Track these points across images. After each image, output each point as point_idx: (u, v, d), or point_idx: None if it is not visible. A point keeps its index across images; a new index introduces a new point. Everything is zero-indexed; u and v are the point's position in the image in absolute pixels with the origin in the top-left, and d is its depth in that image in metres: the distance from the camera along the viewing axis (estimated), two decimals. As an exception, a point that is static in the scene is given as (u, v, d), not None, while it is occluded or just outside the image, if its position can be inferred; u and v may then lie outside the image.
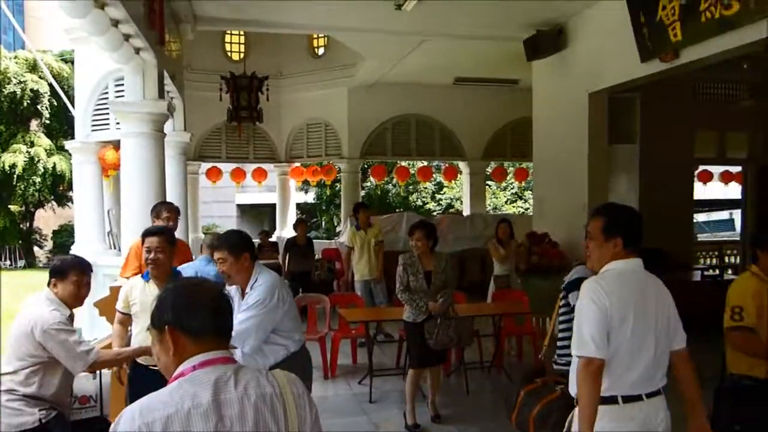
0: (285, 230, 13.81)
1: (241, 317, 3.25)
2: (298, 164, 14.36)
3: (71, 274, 3.12)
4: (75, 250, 8.73)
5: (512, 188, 21.90)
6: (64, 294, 3.11)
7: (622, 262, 2.49)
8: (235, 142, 13.40)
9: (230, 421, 1.45)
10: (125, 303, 3.73)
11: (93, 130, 8.88)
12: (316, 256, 10.23)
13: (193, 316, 1.54)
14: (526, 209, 20.51)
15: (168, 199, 6.23)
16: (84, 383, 3.52)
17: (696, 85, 9.73)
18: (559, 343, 3.51)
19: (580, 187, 7.55)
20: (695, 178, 11.40)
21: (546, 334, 7.48)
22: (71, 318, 3.17)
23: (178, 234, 5.27)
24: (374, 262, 7.66)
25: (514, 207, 21.87)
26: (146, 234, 3.77)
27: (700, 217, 18.34)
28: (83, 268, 3.20)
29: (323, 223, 21.53)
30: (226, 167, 14.38)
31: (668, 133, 8.87)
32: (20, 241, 20.85)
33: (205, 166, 13.98)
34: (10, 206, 19.59)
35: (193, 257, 5.84)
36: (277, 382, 1.56)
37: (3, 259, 21.53)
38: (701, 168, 12.44)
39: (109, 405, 3.79)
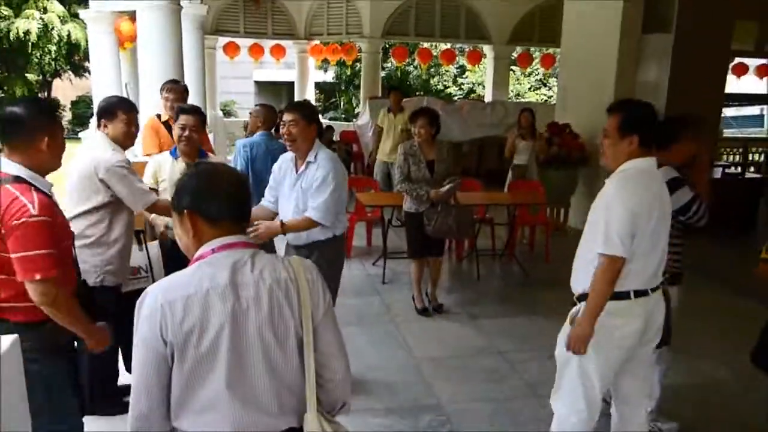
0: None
1: (321, 197, 3.24)
2: (317, 42, 13.93)
3: (119, 113, 3.08)
4: (94, 121, 8.73)
5: (537, 74, 21.21)
6: (115, 134, 3.09)
7: (641, 161, 2.45)
8: (254, 17, 12.94)
9: (246, 302, 1.51)
10: (154, 179, 3.75)
11: (107, -1, 8.62)
12: (334, 138, 10.15)
13: (210, 202, 1.56)
14: (550, 97, 19.99)
15: (185, 75, 6.13)
16: (132, 254, 3.47)
17: (741, -31, 9.04)
18: None
19: (608, 77, 7.29)
20: (729, 71, 10.92)
21: (560, 225, 7.63)
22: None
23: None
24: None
25: (537, 94, 21.29)
26: (181, 111, 3.74)
27: (728, 112, 17.77)
28: (130, 106, 3.18)
29: (342, 103, 21.20)
30: (244, 43, 14.00)
31: (707, 21, 8.36)
32: (39, 111, 20.88)
33: (223, 40, 13.61)
34: (27, 75, 19.40)
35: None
36: (292, 268, 1.61)
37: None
38: (737, 60, 11.91)
39: (161, 275, 3.83)
